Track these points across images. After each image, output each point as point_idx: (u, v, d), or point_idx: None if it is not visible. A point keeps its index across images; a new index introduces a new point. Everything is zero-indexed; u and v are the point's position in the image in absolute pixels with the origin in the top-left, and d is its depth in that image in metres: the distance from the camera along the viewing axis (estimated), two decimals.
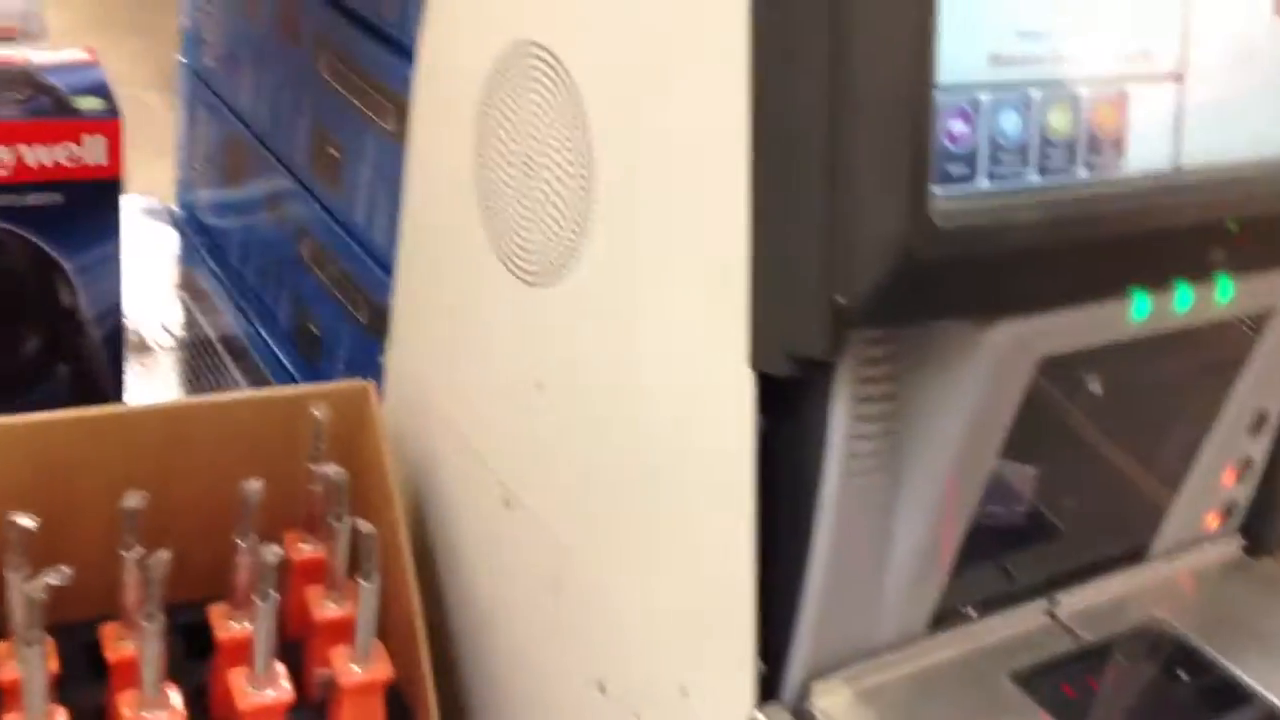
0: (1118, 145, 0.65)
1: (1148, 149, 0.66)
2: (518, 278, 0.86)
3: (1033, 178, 0.62)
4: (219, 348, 1.68)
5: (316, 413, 0.95)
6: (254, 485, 0.88)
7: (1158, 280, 0.69)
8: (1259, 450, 0.92)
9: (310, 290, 1.44)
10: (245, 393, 1.43)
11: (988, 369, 0.67)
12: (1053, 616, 0.87)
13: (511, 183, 0.85)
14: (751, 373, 0.68)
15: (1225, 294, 0.73)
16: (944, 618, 0.82)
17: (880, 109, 0.57)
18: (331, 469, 0.92)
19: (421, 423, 1.03)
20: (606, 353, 0.81)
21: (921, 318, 0.63)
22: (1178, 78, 0.66)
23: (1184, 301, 0.72)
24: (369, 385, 1.01)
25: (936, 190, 0.59)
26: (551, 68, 0.78)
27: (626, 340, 0.78)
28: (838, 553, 0.71)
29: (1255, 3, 0.67)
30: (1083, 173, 0.64)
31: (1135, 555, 0.93)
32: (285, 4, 1.49)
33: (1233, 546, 0.98)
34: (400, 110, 1.14)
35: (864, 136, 0.57)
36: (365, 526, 0.88)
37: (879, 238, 0.58)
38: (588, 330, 0.81)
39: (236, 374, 1.61)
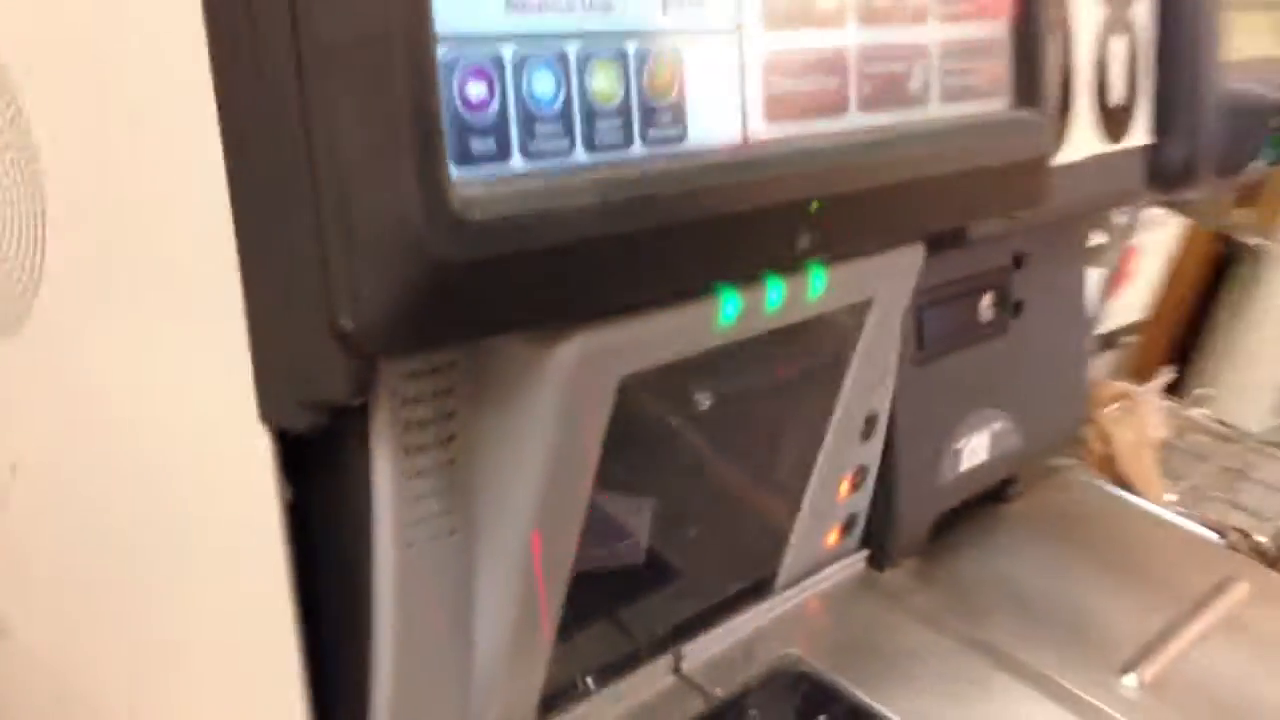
0: (677, 114, 0.54)
1: (711, 119, 0.56)
2: None
3: (580, 155, 0.50)
4: None
5: None
6: None
7: (742, 273, 0.60)
8: (872, 456, 0.86)
9: None
10: None
11: (560, 394, 0.54)
12: (679, 673, 0.77)
13: None
14: (265, 429, 0.52)
15: (818, 286, 0.65)
16: (559, 694, 0.69)
17: (363, 70, 0.43)
18: None
19: None
20: (91, 414, 0.62)
21: (453, 339, 0.49)
22: (732, 30, 0.56)
23: (775, 298, 0.63)
24: None
25: (457, 173, 0.45)
26: None
27: (114, 395, 0.61)
28: (408, 637, 0.57)
29: None
30: (639, 148, 0.53)
31: (761, 588, 0.84)
32: None
33: (856, 562, 0.91)
34: None
35: (346, 108, 0.43)
36: None
37: (386, 240, 0.44)
38: (65, 388, 0.63)
39: None
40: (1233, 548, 1.21)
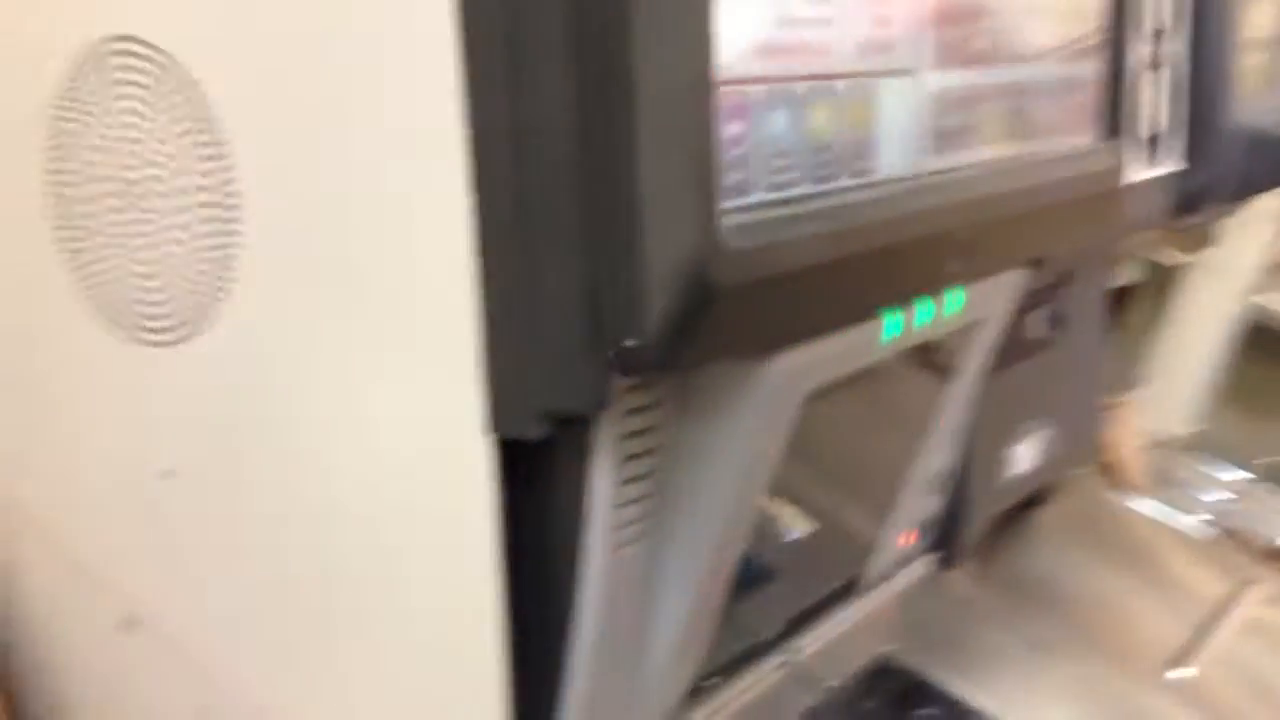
0: (872, 148, 0.59)
1: (895, 152, 0.60)
2: (130, 335, 0.68)
3: (804, 187, 0.54)
4: None
5: None
6: None
7: (913, 294, 0.64)
8: (952, 461, 0.91)
9: None
10: None
11: (764, 409, 0.58)
12: (791, 667, 0.81)
13: (110, 215, 0.66)
14: (490, 439, 0.55)
15: (956, 305, 0.70)
16: (694, 693, 0.73)
17: (661, 111, 0.46)
18: None
19: None
20: (276, 428, 0.64)
21: (719, 357, 0.53)
22: (910, 72, 0.61)
23: (925, 316, 0.67)
24: None
25: (722, 205, 0.49)
26: (161, 66, 0.61)
27: (304, 408, 0.63)
28: (604, 636, 0.61)
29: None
30: (845, 180, 0.57)
31: (851, 587, 0.89)
32: None
33: (930, 562, 0.97)
34: None
35: (643, 147, 0.46)
36: None
37: (671, 266, 0.47)
38: (246, 400, 0.65)
39: None
40: (1237, 551, 1.29)
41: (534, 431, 0.54)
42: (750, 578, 0.78)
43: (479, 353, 0.54)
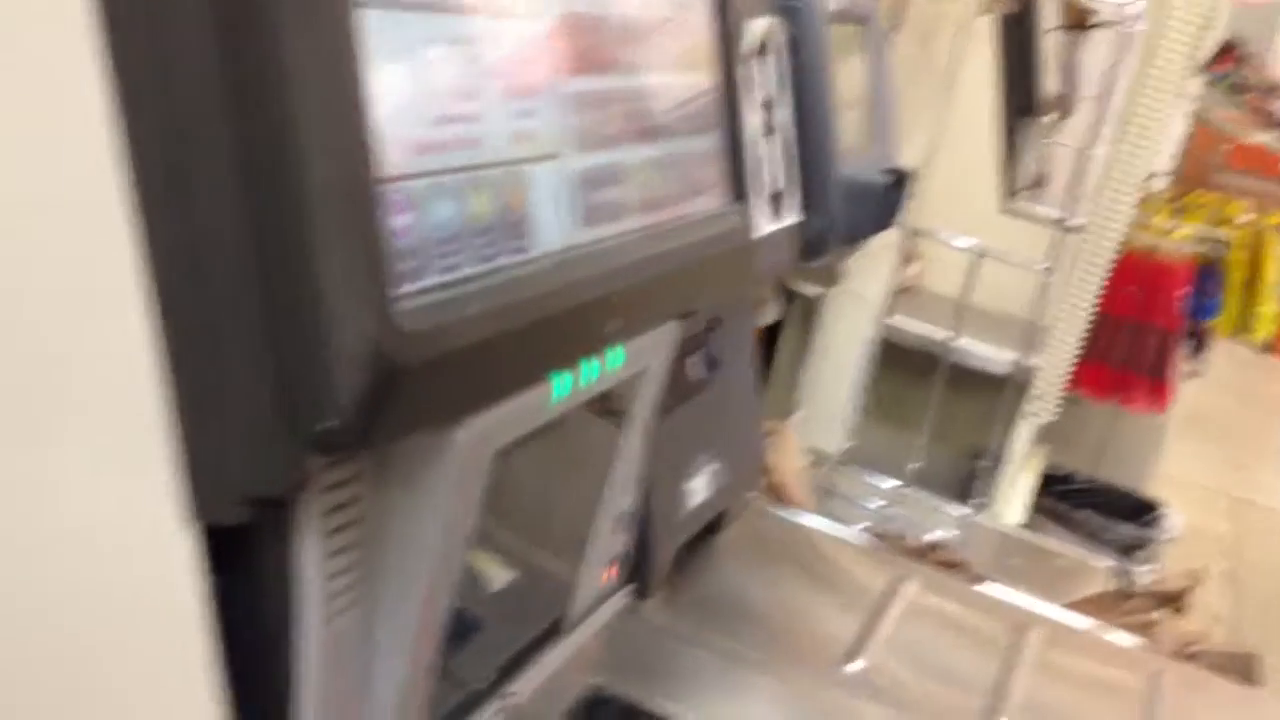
0: (526, 227, 0.66)
1: (547, 229, 0.67)
2: None
3: (470, 268, 0.60)
4: None
5: None
6: None
7: (575, 357, 0.72)
8: (634, 501, 0.99)
9: None
10: None
11: (455, 471, 0.64)
12: (508, 712, 0.86)
13: None
14: (192, 526, 0.58)
15: (617, 361, 0.78)
16: None
17: (331, 212, 0.51)
18: None
19: None
20: None
21: (409, 431, 0.58)
22: (555, 156, 0.69)
23: (591, 373, 0.75)
24: None
25: (397, 290, 0.55)
26: None
27: None
28: (325, 709, 0.63)
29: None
30: (505, 258, 0.64)
31: (557, 627, 0.95)
32: None
33: (626, 595, 1.04)
34: None
35: (317, 245, 0.51)
36: None
37: (357, 351, 0.52)
38: None
39: None
40: (891, 551, 1.45)
41: (236, 517, 0.57)
42: (461, 630, 0.83)
43: (174, 444, 0.56)
